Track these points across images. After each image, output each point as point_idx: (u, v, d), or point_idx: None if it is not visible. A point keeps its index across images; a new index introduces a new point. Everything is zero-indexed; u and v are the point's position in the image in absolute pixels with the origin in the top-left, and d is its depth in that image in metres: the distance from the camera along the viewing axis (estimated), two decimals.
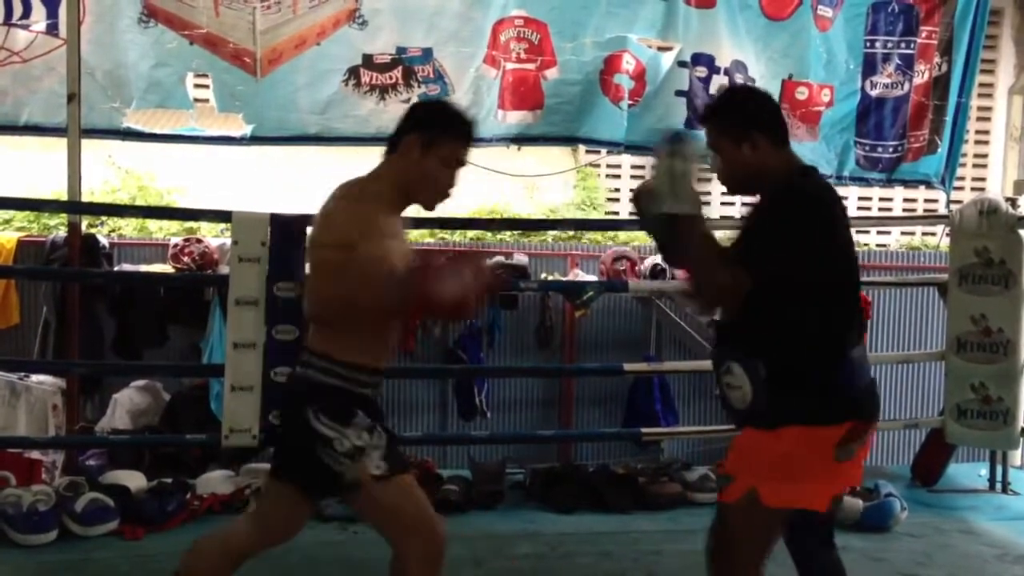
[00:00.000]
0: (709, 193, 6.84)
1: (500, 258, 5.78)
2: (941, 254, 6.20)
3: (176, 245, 5.55)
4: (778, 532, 2.75)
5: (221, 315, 5.13)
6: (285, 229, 4.54)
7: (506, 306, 5.87)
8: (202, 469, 5.13)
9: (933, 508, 5.29)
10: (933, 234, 7.24)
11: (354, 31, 5.46)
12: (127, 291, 5.49)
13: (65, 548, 4.35)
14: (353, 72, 5.49)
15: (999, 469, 5.68)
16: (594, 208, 7.54)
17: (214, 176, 6.59)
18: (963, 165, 7.34)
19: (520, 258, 5.82)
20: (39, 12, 5.19)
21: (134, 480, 4.83)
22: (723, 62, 5.75)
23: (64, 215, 5.51)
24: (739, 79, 5.76)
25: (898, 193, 7.58)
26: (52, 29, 5.19)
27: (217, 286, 5.26)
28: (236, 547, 2.93)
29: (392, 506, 2.76)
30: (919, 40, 5.98)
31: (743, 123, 2.76)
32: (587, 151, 7.00)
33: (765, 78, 5.77)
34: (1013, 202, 5.22)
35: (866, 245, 7.14)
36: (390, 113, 5.50)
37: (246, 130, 5.47)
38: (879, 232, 7.46)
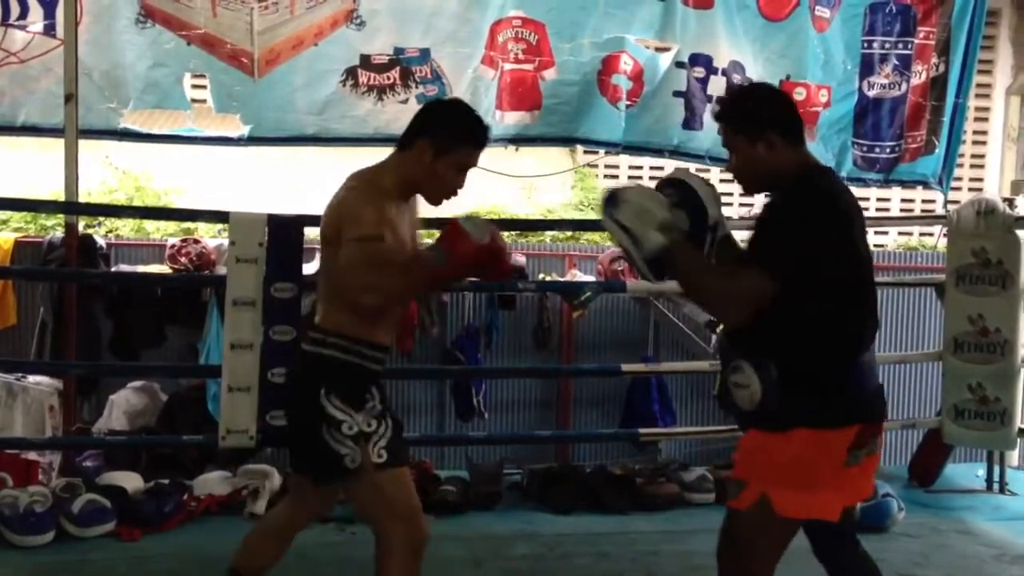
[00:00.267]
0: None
1: None
2: (938, 254, 6.21)
3: (173, 246, 5.54)
4: (789, 539, 2.72)
5: (218, 316, 5.13)
6: (283, 230, 4.53)
7: (504, 307, 5.87)
8: (199, 470, 5.12)
9: (930, 508, 5.29)
10: (930, 234, 7.25)
11: (352, 31, 5.46)
12: (124, 292, 5.48)
13: (62, 549, 4.34)
14: (351, 72, 5.49)
15: (996, 469, 5.68)
16: (592, 208, 7.54)
17: (212, 177, 6.59)
18: (960, 165, 7.36)
19: (518, 259, 5.82)
20: (36, 13, 5.19)
21: (131, 481, 4.82)
22: (721, 63, 5.76)
23: (61, 215, 5.51)
24: (737, 79, 5.76)
25: (896, 193, 7.60)
26: (49, 30, 5.19)
27: (214, 287, 5.25)
28: (285, 528, 3.10)
29: (384, 494, 2.83)
30: (916, 41, 5.99)
31: (758, 122, 2.74)
32: (585, 151, 7.00)
33: (763, 79, 5.75)
34: (1010, 202, 5.23)
35: None
36: (388, 113, 5.50)
37: (243, 131, 5.47)
38: (876, 232, 7.47)
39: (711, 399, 6.08)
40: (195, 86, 5.53)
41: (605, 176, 7.73)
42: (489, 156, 5.62)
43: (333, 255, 2.82)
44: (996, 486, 5.65)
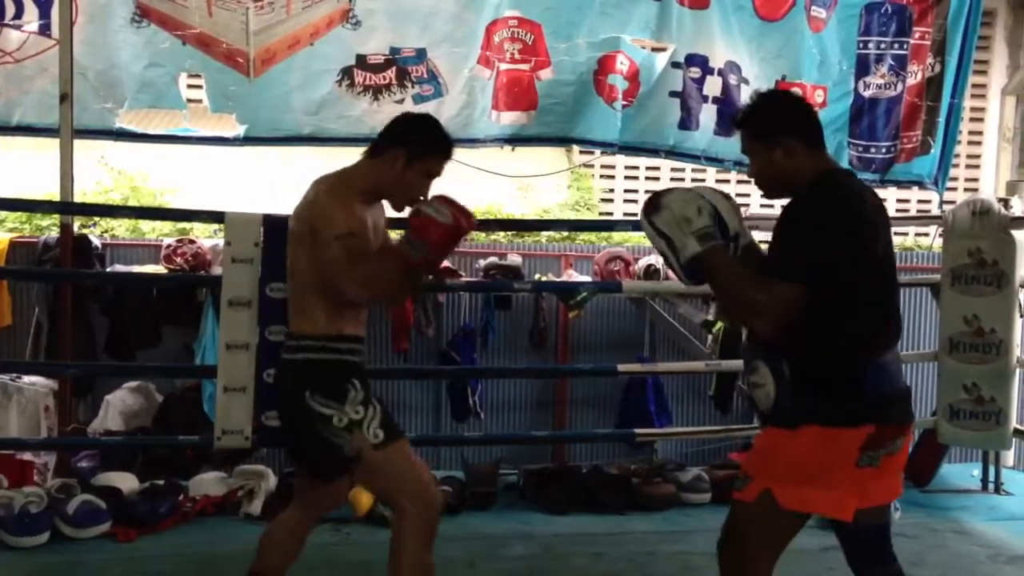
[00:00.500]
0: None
1: (494, 259, 5.78)
2: (934, 254, 6.21)
3: (169, 246, 5.53)
4: (791, 535, 2.72)
5: (214, 316, 5.13)
6: (278, 230, 4.49)
7: (500, 307, 5.87)
8: (195, 471, 5.12)
9: (926, 508, 5.30)
10: (926, 234, 7.26)
11: (348, 31, 5.45)
12: (120, 292, 5.48)
13: (57, 550, 4.33)
14: (347, 72, 5.48)
15: (992, 469, 5.69)
16: (588, 209, 7.56)
17: (207, 177, 6.59)
18: (956, 166, 7.37)
19: (514, 259, 5.82)
20: (31, 12, 5.18)
21: (126, 482, 4.82)
22: (717, 63, 5.76)
23: (56, 216, 5.50)
24: (732, 80, 5.76)
25: (891, 194, 7.60)
26: (44, 29, 5.18)
27: (210, 287, 5.25)
28: (298, 528, 3.20)
29: (391, 470, 2.97)
30: (912, 41, 5.99)
31: (776, 128, 2.75)
32: (581, 152, 7.01)
33: (759, 79, 5.77)
34: (1006, 203, 5.22)
35: None
36: (384, 113, 5.48)
37: (239, 131, 5.46)
38: None
39: (707, 399, 6.09)
40: (191, 86, 5.52)
41: (601, 176, 7.74)
42: (485, 156, 5.70)
43: (304, 255, 2.96)
44: (991, 486, 5.66)
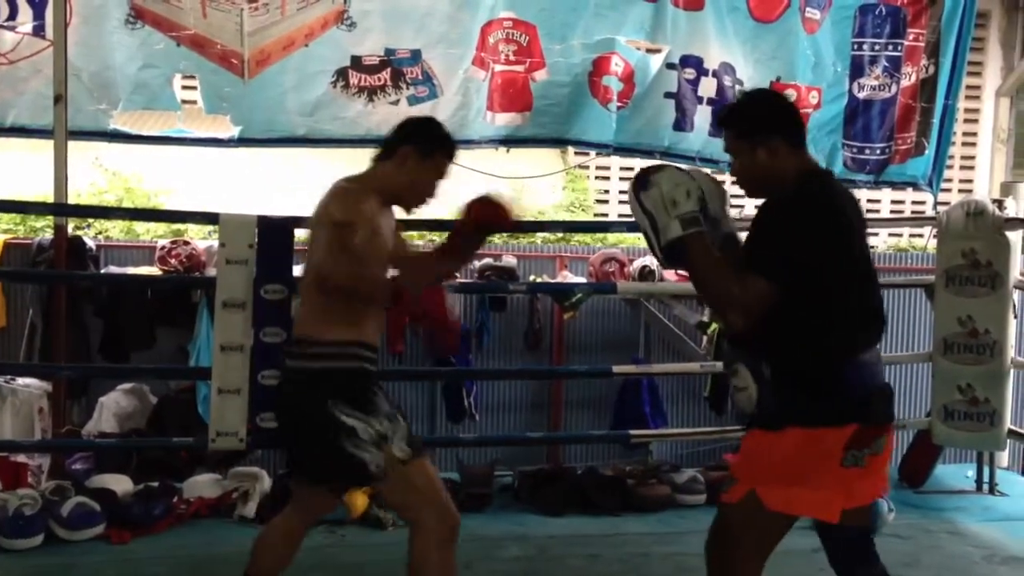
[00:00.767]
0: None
1: (488, 260, 5.78)
2: (928, 255, 6.22)
3: (163, 247, 5.52)
4: (778, 536, 2.72)
5: (208, 318, 5.12)
6: (273, 231, 4.52)
7: (495, 308, 5.87)
8: (189, 472, 5.11)
9: (920, 509, 5.30)
10: (920, 236, 7.26)
11: (342, 32, 5.45)
12: (114, 293, 5.46)
13: (51, 552, 4.32)
14: (341, 74, 5.48)
15: (986, 470, 5.70)
16: (583, 210, 7.56)
17: (202, 178, 6.57)
18: (950, 167, 7.38)
19: (508, 260, 5.82)
20: (25, 13, 5.17)
21: (121, 484, 4.82)
22: (711, 64, 5.76)
23: (50, 217, 5.49)
24: (727, 81, 5.77)
25: (886, 195, 7.61)
26: (38, 31, 5.17)
27: (204, 288, 5.24)
28: (293, 532, 3.17)
29: (414, 487, 2.96)
30: (906, 42, 6.00)
31: (760, 127, 2.76)
32: (576, 153, 7.00)
33: (753, 80, 5.78)
34: (1000, 204, 5.23)
35: None
36: (379, 115, 5.49)
37: (234, 132, 5.46)
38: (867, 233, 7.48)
39: (702, 400, 6.09)
40: (185, 87, 5.52)
41: (596, 177, 7.74)
42: (480, 157, 5.70)
43: (316, 252, 2.95)
44: (986, 487, 5.67)
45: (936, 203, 6.30)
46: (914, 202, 7.87)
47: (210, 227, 5.69)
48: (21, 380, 5.24)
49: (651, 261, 5.85)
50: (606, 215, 7.63)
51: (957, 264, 5.17)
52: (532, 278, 5.92)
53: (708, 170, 6.18)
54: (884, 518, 4.86)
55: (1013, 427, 5.39)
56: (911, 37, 6.01)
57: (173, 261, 5.45)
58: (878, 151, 6.07)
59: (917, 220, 6.99)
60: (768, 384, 2.64)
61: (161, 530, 4.60)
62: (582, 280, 5.89)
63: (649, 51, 5.82)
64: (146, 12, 5.26)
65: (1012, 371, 5.25)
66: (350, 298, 2.91)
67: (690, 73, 5.77)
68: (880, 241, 7.62)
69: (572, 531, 4.83)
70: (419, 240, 5.93)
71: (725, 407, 5.99)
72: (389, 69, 5.52)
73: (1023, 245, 5.35)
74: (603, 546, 4.61)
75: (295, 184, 6.29)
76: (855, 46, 5.98)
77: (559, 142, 6.04)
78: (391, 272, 2.96)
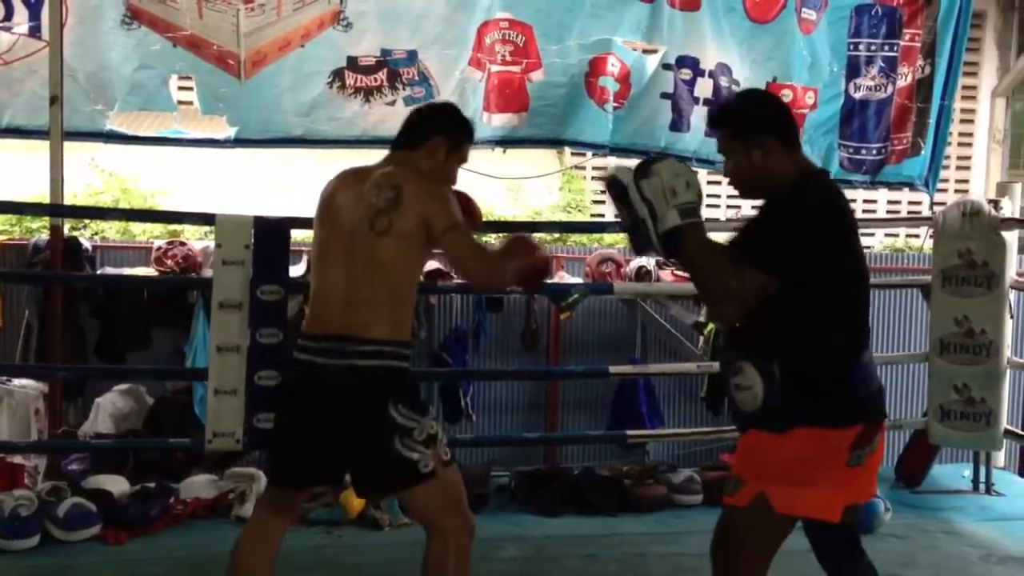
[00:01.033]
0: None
1: None
2: (924, 256, 6.22)
3: (159, 248, 5.52)
4: (783, 537, 2.72)
5: (205, 318, 5.11)
6: (269, 232, 4.52)
7: (492, 309, 5.87)
8: (186, 473, 5.10)
9: (917, 509, 5.30)
10: (917, 236, 7.28)
11: (338, 33, 5.44)
12: (110, 294, 5.45)
13: (47, 553, 4.31)
14: (337, 74, 5.47)
15: (982, 470, 5.70)
16: (579, 210, 7.57)
17: (198, 179, 6.57)
18: (946, 167, 7.40)
19: None
20: (21, 14, 5.16)
21: (117, 484, 4.81)
22: (708, 64, 5.76)
23: (46, 218, 5.48)
24: (723, 82, 5.77)
25: (882, 195, 7.63)
26: (34, 31, 5.16)
27: (201, 289, 5.23)
28: (271, 538, 3.04)
29: (451, 491, 2.95)
30: (902, 43, 6.01)
31: (754, 128, 2.75)
32: (572, 153, 7.01)
33: (749, 81, 5.78)
34: (996, 204, 5.24)
35: None
36: (375, 115, 5.49)
37: (230, 132, 5.45)
38: (863, 234, 7.48)
39: (699, 401, 6.09)
40: (181, 88, 5.51)
41: (592, 178, 7.75)
42: (476, 158, 5.64)
43: (406, 250, 2.88)
44: (982, 487, 5.67)
45: (932, 203, 6.31)
46: (910, 202, 7.89)
47: (206, 228, 5.68)
48: (17, 381, 5.24)
49: (648, 262, 5.85)
50: (602, 216, 7.64)
51: (953, 264, 5.18)
52: None
53: (704, 171, 6.27)
54: (881, 518, 4.87)
55: (1009, 427, 5.41)
56: (907, 37, 6.02)
57: (169, 262, 5.45)
58: (874, 151, 6.08)
59: (913, 220, 7.01)
60: (777, 384, 2.62)
61: (158, 531, 4.60)
62: (579, 280, 5.89)
63: (645, 52, 5.81)
64: (142, 13, 5.25)
65: (1008, 371, 5.27)
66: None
67: (686, 74, 5.77)
68: (876, 241, 7.64)
69: (569, 531, 4.82)
70: None
71: (722, 407, 5.98)
72: (385, 70, 5.51)
73: (1019, 245, 5.36)
74: (600, 546, 4.61)
75: (291, 185, 6.30)
76: (851, 46, 5.99)
77: (555, 143, 6.03)
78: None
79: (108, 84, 5.29)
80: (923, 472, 5.73)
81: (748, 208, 7.17)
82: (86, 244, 5.51)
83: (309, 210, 3.12)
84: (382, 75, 5.51)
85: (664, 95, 5.76)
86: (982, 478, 5.68)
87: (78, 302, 5.38)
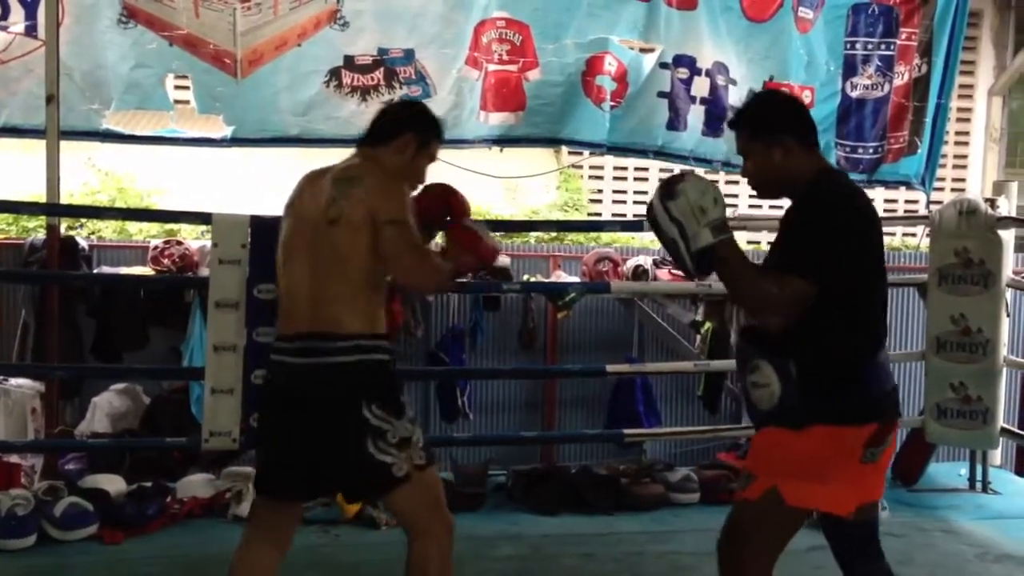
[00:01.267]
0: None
1: None
2: (921, 254, 6.24)
3: (156, 247, 5.52)
4: (790, 535, 2.73)
5: (201, 318, 5.11)
6: (266, 231, 4.50)
7: (489, 308, 5.87)
8: (182, 472, 5.10)
9: (914, 507, 5.31)
10: (913, 234, 7.29)
11: (335, 32, 5.44)
12: (107, 294, 5.45)
13: (44, 553, 4.31)
14: (334, 73, 5.47)
15: (979, 468, 5.70)
16: (576, 209, 7.57)
17: (194, 178, 6.57)
18: (943, 166, 7.41)
19: (502, 260, 5.81)
20: (17, 13, 5.15)
21: (114, 484, 4.80)
22: (704, 63, 5.76)
23: (43, 217, 5.48)
24: (720, 80, 5.77)
25: (879, 194, 7.63)
26: (31, 30, 5.15)
27: (197, 288, 5.23)
28: (271, 567, 2.97)
29: (428, 493, 2.89)
30: (899, 42, 6.01)
31: (773, 128, 2.76)
32: (569, 152, 7.01)
33: (746, 80, 5.78)
34: (992, 203, 5.24)
35: None
36: (372, 114, 5.46)
37: (226, 132, 5.44)
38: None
39: (695, 400, 6.10)
40: (178, 87, 5.50)
41: (590, 177, 7.75)
42: (473, 157, 5.70)
43: (360, 242, 2.79)
44: (979, 485, 5.67)
45: (929, 202, 6.31)
46: (907, 201, 7.90)
47: (203, 227, 5.69)
48: (14, 380, 5.24)
49: (644, 260, 5.86)
50: (599, 214, 7.64)
51: (950, 263, 5.18)
52: (526, 277, 5.92)
53: (701, 170, 6.28)
54: (877, 514, 4.87)
55: (1006, 425, 5.41)
56: (904, 36, 6.02)
57: (166, 261, 5.45)
58: (871, 150, 6.08)
59: (910, 219, 7.01)
60: (794, 382, 2.62)
61: (154, 530, 4.59)
62: (576, 279, 5.89)
63: (642, 51, 5.82)
64: (138, 12, 5.24)
65: (1004, 369, 5.27)
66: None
67: (683, 72, 5.77)
68: None
69: (566, 530, 4.83)
70: None
71: (718, 406, 6.00)
72: (382, 69, 5.51)
73: (1015, 243, 5.37)
74: (597, 545, 4.61)
75: (288, 184, 6.28)
76: (848, 45, 5.99)
77: (553, 142, 6.03)
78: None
79: (104, 83, 5.29)
80: (920, 470, 5.73)
81: (744, 207, 7.19)
82: (82, 243, 5.51)
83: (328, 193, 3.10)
84: (379, 74, 5.51)
85: (661, 94, 5.76)
86: (978, 476, 5.69)
87: (75, 301, 5.38)
